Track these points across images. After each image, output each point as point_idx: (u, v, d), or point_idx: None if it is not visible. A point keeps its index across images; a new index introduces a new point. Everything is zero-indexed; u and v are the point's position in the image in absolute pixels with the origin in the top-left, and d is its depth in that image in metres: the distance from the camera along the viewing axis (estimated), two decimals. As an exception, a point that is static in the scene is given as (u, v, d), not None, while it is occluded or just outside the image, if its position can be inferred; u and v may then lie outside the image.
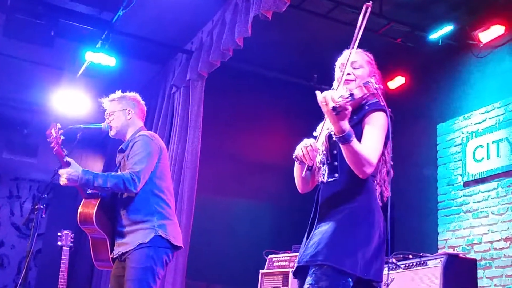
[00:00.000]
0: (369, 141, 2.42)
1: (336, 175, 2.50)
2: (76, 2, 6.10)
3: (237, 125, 7.47)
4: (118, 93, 3.91)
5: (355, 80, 2.56)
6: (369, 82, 2.41)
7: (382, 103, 2.44)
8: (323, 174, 2.56)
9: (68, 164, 3.46)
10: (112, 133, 3.84)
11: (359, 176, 2.40)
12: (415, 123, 6.60)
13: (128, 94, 3.92)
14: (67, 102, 7.32)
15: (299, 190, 2.70)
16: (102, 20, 6.22)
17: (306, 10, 5.85)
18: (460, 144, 6.04)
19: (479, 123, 5.88)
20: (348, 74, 2.58)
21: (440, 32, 6.10)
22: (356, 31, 2.49)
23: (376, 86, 2.38)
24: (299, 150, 2.48)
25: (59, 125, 3.62)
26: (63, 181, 3.46)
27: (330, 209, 2.46)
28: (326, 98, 2.24)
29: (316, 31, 6.51)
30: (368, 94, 2.41)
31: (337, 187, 2.49)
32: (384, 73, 2.71)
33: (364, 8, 2.46)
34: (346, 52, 2.64)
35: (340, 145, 2.34)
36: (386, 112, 2.48)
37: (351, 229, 2.39)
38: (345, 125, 2.28)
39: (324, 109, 2.27)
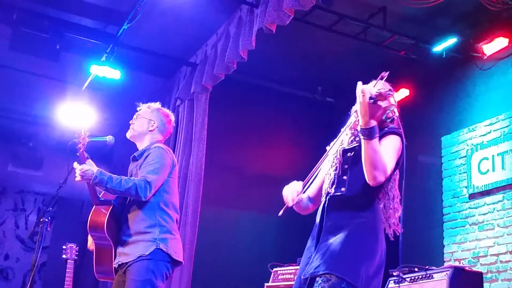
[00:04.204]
0: (385, 152, 2.46)
1: (343, 189, 2.54)
2: (81, 16, 6.15)
3: (242, 138, 7.47)
4: (157, 104, 3.96)
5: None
6: (392, 106, 2.55)
7: (400, 130, 2.54)
8: (331, 186, 2.59)
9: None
10: (128, 134, 3.87)
11: (369, 182, 2.42)
12: (419, 136, 6.58)
13: (164, 109, 3.96)
14: (72, 115, 7.34)
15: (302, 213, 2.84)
16: (107, 34, 6.27)
17: (310, 23, 5.86)
18: (465, 156, 6.02)
19: (484, 135, 5.87)
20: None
21: (444, 45, 6.11)
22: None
23: (396, 114, 2.54)
24: (283, 191, 2.63)
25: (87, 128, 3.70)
26: (77, 176, 3.49)
27: (337, 223, 2.50)
28: (364, 90, 2.36)
29: (320, 44, 6.53)
30: (388, 110, 2.52)
31: (343, 201, 2.52)
32: (387, 85, 2.70)
33: (380, 77, 2.53)
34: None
35: (362, 141, 2.39)
36: (402, 139, 2.54)
37: (357, 242, 2.44)
38: (373, 121, 2.38)
39: (359, 100, 2.36)
